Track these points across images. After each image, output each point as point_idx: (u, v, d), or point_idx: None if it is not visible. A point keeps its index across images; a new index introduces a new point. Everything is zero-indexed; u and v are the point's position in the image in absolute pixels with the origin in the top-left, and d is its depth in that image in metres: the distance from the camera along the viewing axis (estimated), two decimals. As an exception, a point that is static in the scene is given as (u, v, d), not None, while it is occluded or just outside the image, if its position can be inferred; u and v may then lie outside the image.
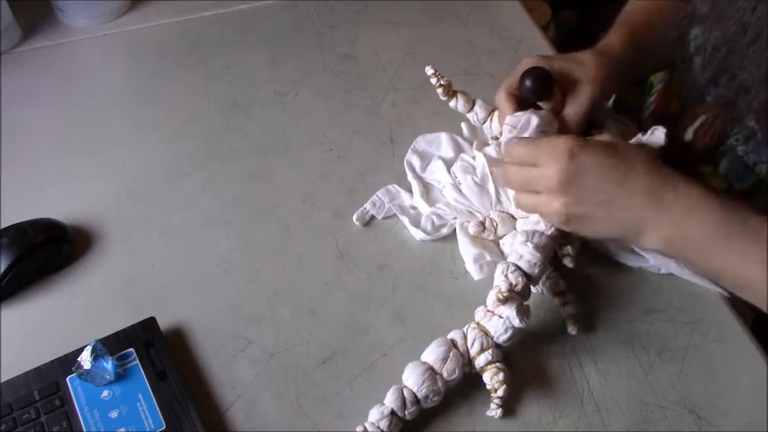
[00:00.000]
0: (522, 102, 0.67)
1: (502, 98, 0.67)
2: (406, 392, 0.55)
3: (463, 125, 0.76)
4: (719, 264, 0.56)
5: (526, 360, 0.61)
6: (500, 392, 0.57)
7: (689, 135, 0.69)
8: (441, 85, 0.69)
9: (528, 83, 0.64)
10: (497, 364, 0.57)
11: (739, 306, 0.66)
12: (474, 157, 0.71)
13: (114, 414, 0.56)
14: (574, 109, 0.66)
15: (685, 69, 0.69)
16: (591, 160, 0.56)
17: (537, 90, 0.64)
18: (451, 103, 0.71)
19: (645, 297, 0.66)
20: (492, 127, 0.71)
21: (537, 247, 0.60)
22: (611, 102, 0.79)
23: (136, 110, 0.85)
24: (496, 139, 0.72)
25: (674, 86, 0.74)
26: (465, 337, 0.58)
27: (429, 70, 0.69)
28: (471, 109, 0.71)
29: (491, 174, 0.68)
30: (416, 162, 0.75)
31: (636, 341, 0.63)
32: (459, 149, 0.74)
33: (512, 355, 0.60)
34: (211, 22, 0.97)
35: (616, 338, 0.63)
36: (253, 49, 0.92)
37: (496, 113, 0.71)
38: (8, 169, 0.76)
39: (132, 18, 0.97)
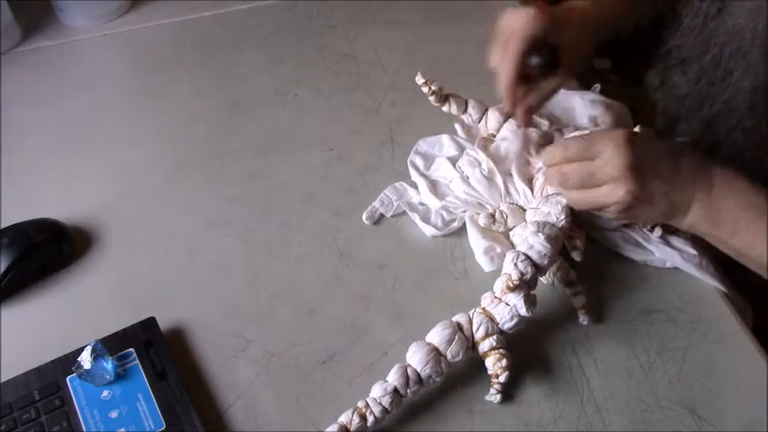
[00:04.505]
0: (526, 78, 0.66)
1: (509, 74, 0.66)
2: (409, 371, 0.56)
3: (457, 126, 0.76)
4: (746, 243, 0.59)
5: (526, 360, 0.61)
6: (502, 378, 0.57)
7: None
8: (433, 92, 0.70)
9: (535, 60, 0.64)
10: (501, 350, 0.58)
11: (739, 306, 0.66)
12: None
13: (114, 414, 0.56)
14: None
15: (667, 103, 0.70)
16: (648, 148, 0.59)
17: (546, 67, 0.64)
18: (444, 108, 0.72)
19: (645, 297, 0.66)
20: (487, 125, 0.72)
21: (548, 238, 0.60)
22: (597, 89, 0.79)
23: (136, 110, 0.85)
24: (493, 137, 0.72)
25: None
26: (470, 321, 0.58)
27: (419, 79, 0.69)
28: (465, 110, 0.72)
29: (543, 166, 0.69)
30: (420, 162, 0.75)
31: (636, 341, 0.63)
32: (461, 149, 0.75)
33: (511, 354, 0.60)
34: (211, 22, 0.97)
35: (616, 338, 0.63)
36: (253, 49, 0.92)
37: (490, 112, 0.71)
38: (8, 169, 0.76)
39: (132, 18, 0.97)
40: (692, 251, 0.67)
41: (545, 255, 0.60)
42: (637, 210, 0.60)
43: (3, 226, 0.67)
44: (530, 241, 0.60)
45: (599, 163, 0.59)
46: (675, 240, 0.67)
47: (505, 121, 0.70)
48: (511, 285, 0.57)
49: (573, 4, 0.69)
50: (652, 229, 0.67)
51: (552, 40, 0.64)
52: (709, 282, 0.66)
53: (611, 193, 0.59)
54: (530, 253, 0.60)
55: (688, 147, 0.61)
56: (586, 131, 0.68)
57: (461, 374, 0.60)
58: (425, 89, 0.70)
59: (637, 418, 0.58)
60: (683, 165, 0.60)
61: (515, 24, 0.64)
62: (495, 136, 0.72)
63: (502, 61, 0.65)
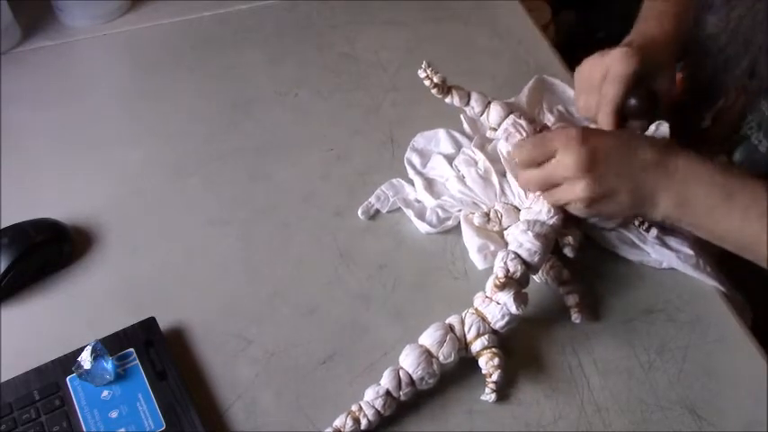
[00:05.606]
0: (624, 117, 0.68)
1: (609, 119, 0.67)
2: (401, 374, 0.56)
3: (462, 117, 0.76)
4: (723, 225, 0.59)
5: (526, 360, 0.61)
6: (495, 377, 0.57)
7: (707, 122, 0.70)
8: (435, 85, 0.69)
9: (633, 102, 0.66)
10: (493, 349, 0.58)
11: (738, 305, 0.66)
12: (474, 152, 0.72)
13: (114, 414, 0.56)
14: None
15: (702, 56, 0.70)
16: (602, 143, 0.60)
17: (644, 110, 0.66)
18: (447, 100, 0.71)
19: (645, 296, 0.66)
20: (489, 119, 0.72)
21: (537, 236, 0.60)
22: None
23: (136, 110, 0.85)
24: (494, 130, 0.72)
25: (688, 78, 0.75)
26: (462, 322, 0.59)
27: (421, 73, 0.69)
28: (467, 103, 0.72)
29: (509, 167, 0.69)
30: (416, 159, 0.75)
31: (636, 341, 0.63)
32: (457, 145, 0.75)
33: (511, 354, 0.60)
34: (211, 22, 0.97)
35: (616, 338, 0.63)
36: (253, 49, 0.92)
37: (492, 106, 0.71)
38: (8, 169, 0.76)
39: (132, 18, 0.97)
40: (689, 251, 0.67)
41: (535, 252, 0.60)
42: (601, 205, 0.61)
43: (3, 226, 0.67)
44: (519, 239, 0.61)
45: (553, 164, 0.61)
46: (672, 241, 0.67)
47: (506, 116, 0.70)
48: (498, 284, 0.57)
49: (649, 32, 0.69)
50: (648, 230, 0.67)
51: (650, 83, 0.66)
52: (707, 282, 0.66)
53: (569, 192, 0.60)
54: (519, 251, 0.60)
55: (649, 137, 0.62)
56: (555, 127, 0.69)
57: (461, 375, 0.60)
58: (427, 82, 0.69)
59: (637, 418, 0.58)
60: (641, 154, 0.60)
61: (611, 67, 0.65)
62: (496, 129, 0.72)
63: (599, 107, 0.67)
